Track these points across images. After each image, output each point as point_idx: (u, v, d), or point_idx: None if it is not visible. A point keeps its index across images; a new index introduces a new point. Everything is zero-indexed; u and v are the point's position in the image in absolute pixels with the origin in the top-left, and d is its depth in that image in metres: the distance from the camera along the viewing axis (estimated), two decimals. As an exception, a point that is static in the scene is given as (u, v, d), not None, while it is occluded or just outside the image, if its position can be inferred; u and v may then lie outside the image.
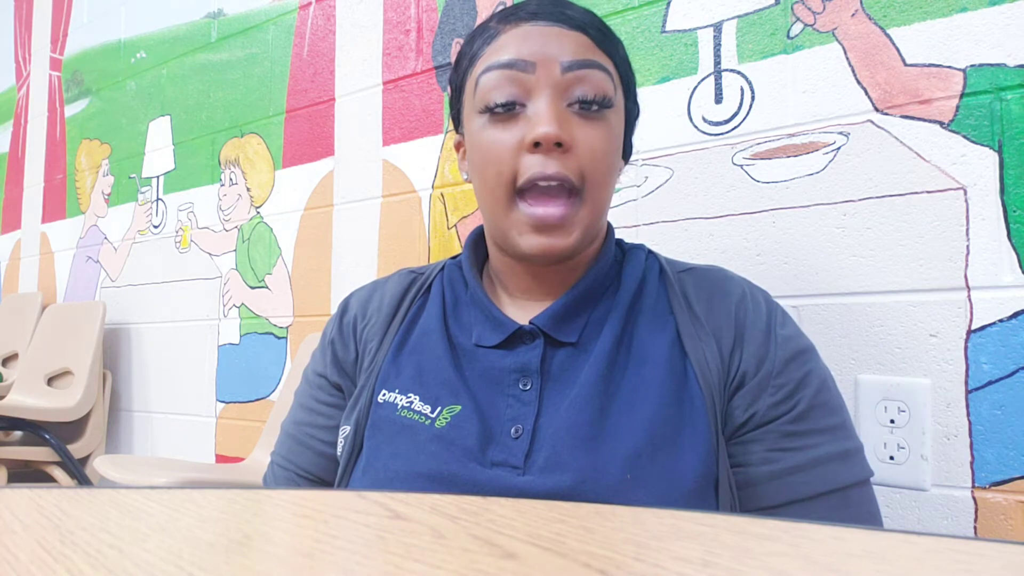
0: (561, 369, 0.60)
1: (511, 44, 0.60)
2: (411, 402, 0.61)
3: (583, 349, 0.61)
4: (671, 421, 0.56)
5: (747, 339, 0.60)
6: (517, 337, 0.62)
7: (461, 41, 1.33)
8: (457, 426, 0.58)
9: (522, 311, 0.65)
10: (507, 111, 0.60)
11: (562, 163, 0.57)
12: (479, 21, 1.30)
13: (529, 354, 0.61)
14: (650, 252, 0.69)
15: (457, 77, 0.66)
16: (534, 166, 0.58)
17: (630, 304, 0.63)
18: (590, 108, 0.59)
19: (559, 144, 0.57)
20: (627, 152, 0.68)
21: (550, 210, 0.57)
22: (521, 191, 0.59)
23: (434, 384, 0.61)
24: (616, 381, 0.59)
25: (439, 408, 0.59)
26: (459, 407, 0.59)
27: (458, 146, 0.69)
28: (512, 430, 0.58)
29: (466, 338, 0.64)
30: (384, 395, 0.62)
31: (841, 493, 0.57)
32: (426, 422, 0.59)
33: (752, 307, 0.62)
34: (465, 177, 0.68)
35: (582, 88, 0.59)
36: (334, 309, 0.73)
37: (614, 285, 0.65)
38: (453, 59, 1.33)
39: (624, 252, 0.68)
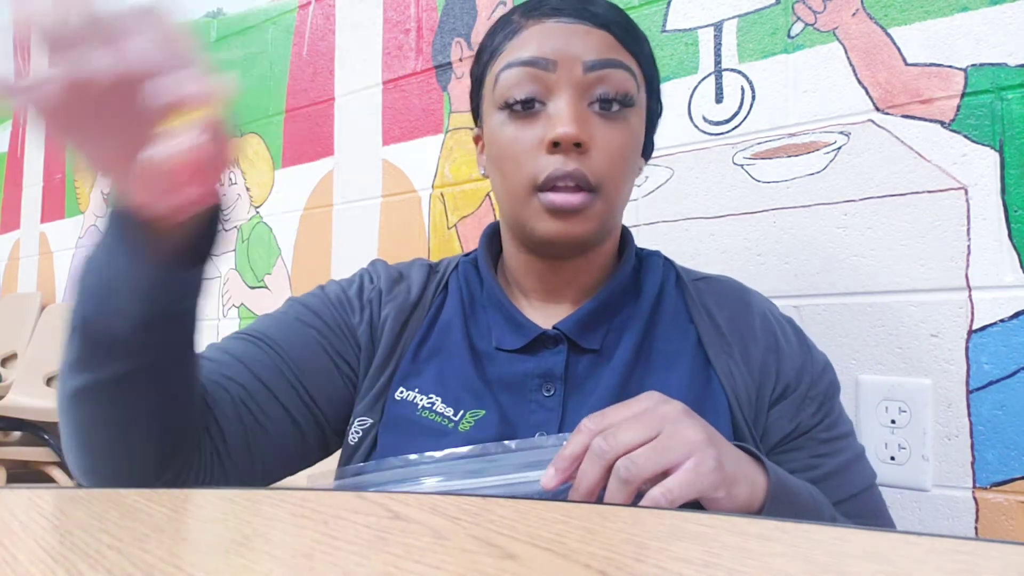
0: (584, 376, 0.60)
1: (533, 40, 0.60)
2: (432, 403, 0.60)
3: (605, 356, 0.61)
4: None
5: (783, 352, 0.62)
6: (540, 342, 0.61)
7: (461, 41, 1.34)
8: (481, 430, 0.57)
9: (539, 313, 0.65)
10: (527, 109, 0.59)
11: (580, 162, 0.57)
12: (479, 21, 1.30)
13: (553, 359, 0.60)
14: (666, 259, 0.69)
15: (478, 70, 0.66)
16: (552, 164, 0.57)
17: (650, 312, 0.63)
18: (611, 108, 0.59)
19: (578, 144, 0.57)
20: (648, 150, 0.68)
21: (567, 198, 0.57)
22: (540, 188, 0.59)
23: (456, 387, 0.60)
24: (636, 388, 0.59)
25: (462, 412, 0.59)
26: (483, 411, 0.58)
27: (477, 139, 0.69)
28: (536, 436, 0.57)
29: (484, 340, 0.63)
30: (402, 392, 0.61)
31: (868, 491, 0.61)
32: (449, 425, 0.58)
33: (775, 322, 0.64)
34: (482, 172, 0.67)
35: (604, 88, 0.58)
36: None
37: (633, 292, 0.65)
38: (453, 59, 1.33)
39: (641, 259, 0.68)
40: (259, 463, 0.59)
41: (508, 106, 0.60)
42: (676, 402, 0.46)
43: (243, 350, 0.61)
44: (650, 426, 0.44)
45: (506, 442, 0.49)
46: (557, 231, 0.59)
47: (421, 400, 0.60)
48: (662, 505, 0.42)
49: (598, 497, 0.44)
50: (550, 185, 0.58)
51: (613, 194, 0.60)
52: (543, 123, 0.59)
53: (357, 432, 0.62)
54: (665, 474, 0.42)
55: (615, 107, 0.59)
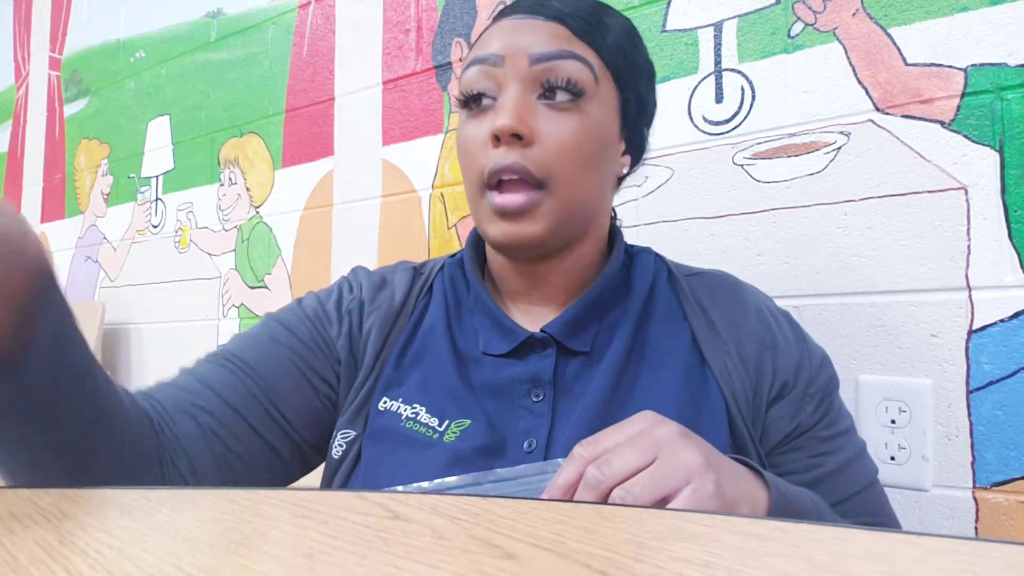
0: (574, 379, 0.59)
1: (489, 39, 0.60)
2: (417, 413, 0.59)
3: (595, 358, 0.60)
4: (689, 428, 0.56)
5: (780, 348, 0.61)
6: (528, 345, 0.60)
7: (461, 41, 1.34)
8: (466, 441, 0.56)
9: (526, 317, 0.64)
10: (477, 105, 0.59)
11: (522, 155, 0.56)
12: (479, 21, 1.30)
13: (541, 363, 0.59)
14: (657, 255, 0.68)
15: None
16: (495, 158, 0.57)
17: (641, 310, 0.62)
18: (555, 97, 0.57)
19: (519, 137, 0.56)
20: (635, 148, 0.66)
21: (509, 198, 0.56)
22: (489, 184, 0.58)
23: (440, 395, 0.59)
24: (628, 389, 0.58)
25: (447, 421, 0.58)
26: (468, 421, 0.57)
27: None
28: (525, 443, 0.56)
29: (470, 345, 0.62)
30: (385, 403, 0.60)
31: (870, 488, 0.61)
32: (434, 436, 0.57)
33: (771, 317, 0.63)
34: None
35: (551, 79, 0.57)
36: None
37: (623, 290, 0.64)
38: (453, 59, 1.33)
39: (631, 256, 0.67)
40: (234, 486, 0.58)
41: (464, 104, 0.60)
42: (672, 423, 0.45)
43: (214, 376, 0.59)
44: (645, 451, 0.42)
45: (498, 470, 0.48)
46: (505, 233, 0.57)
47: (405, 410, 0.59)
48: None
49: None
50: (495, 181, 0.57)
51: (567, 189, 0.57)
52: (491, 118, 0.58)
53: (341, 445, 0.61)
54: (663, 500, 0.41)
55: (560, 96, 0.57)
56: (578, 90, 0.57)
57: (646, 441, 0.43)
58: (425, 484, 0.49)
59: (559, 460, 0.46)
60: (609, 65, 0.60)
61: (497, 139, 0.57)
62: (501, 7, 1.26)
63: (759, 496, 0.46)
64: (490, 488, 0.48)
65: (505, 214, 0.57)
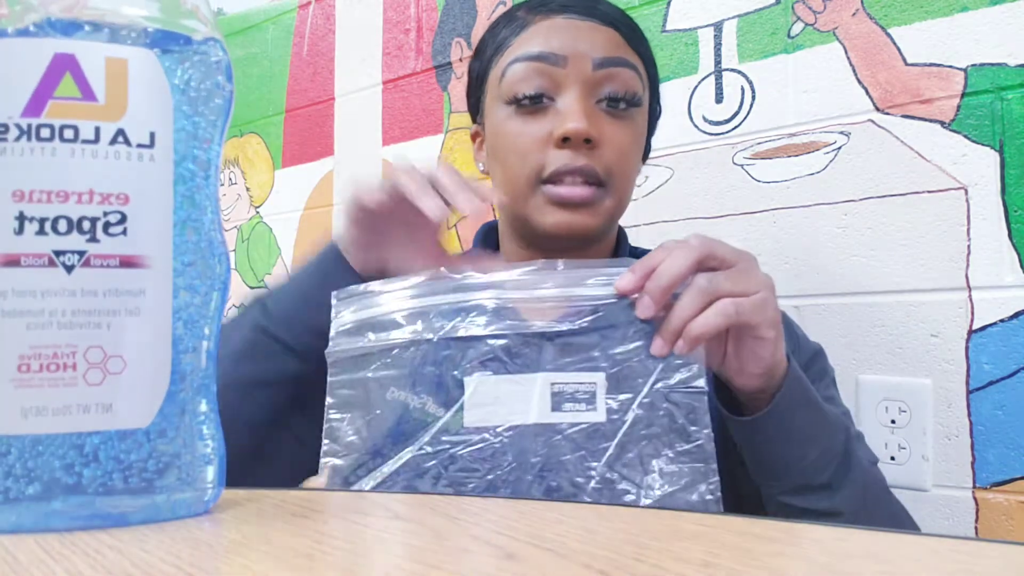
0: None
1: (541, 36, 0.60)
2: (424, 404, 0.60)
3: None
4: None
5: None
6: None
7: (462, 41, 1.33)
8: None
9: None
10: (534, 103, 0.59)
11: (589, 157, 0.58)
12: (479, 21, 1.30)
13: None
14: None
15: (479, 66, 0.65)
16: (561, 159, 0.58)
17: None
18: (618, 106, 0.59)
19: (588, 140, 0.57)
20: (645, 153, 0.68)
21: (573, 190, 0.58)
22: (547, 180, 0.59)
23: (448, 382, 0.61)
24: None
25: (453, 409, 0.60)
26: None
27: (475, 136, 0.68)
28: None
29: None
30: (393, 393, 0.62)
31: (875, 468, 0.63)
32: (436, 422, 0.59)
33: None
34: (481, 168, 0.67)
35: (612, 86, 0.58)
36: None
37: None
38: (453, 59, 1.33)
39: (636, 256, 0.69)
40: None
41: (516, 100, 0.60)
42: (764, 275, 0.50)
43: None
44: (754, 283, 0.48)
45: (556, 261, 0.50)
46: (564, 223, 0.59)
47: (412, 401, 0.60)
48: (729, 315, 0.47)
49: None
50: (557, 179, 0.58)
51: (621, 190, 0.60)
52: (551, 118, 0.59)
53: None
54: (752, 328, 0.47)
55: (622, 106, 0.59)
56: (637, 100, 0.60)
57: (758, 277, 0.49)
58: (485, 277, 0.49)
59: (622, 259, 0.52)
60: (648, 74, 0.63)
61: (563, 140, 0.57)
62: (502, 7, 1.26)
63: (783, 362, 0.51)
64: (559, 275, 0.49)
65: (565, 205, 0.58)
